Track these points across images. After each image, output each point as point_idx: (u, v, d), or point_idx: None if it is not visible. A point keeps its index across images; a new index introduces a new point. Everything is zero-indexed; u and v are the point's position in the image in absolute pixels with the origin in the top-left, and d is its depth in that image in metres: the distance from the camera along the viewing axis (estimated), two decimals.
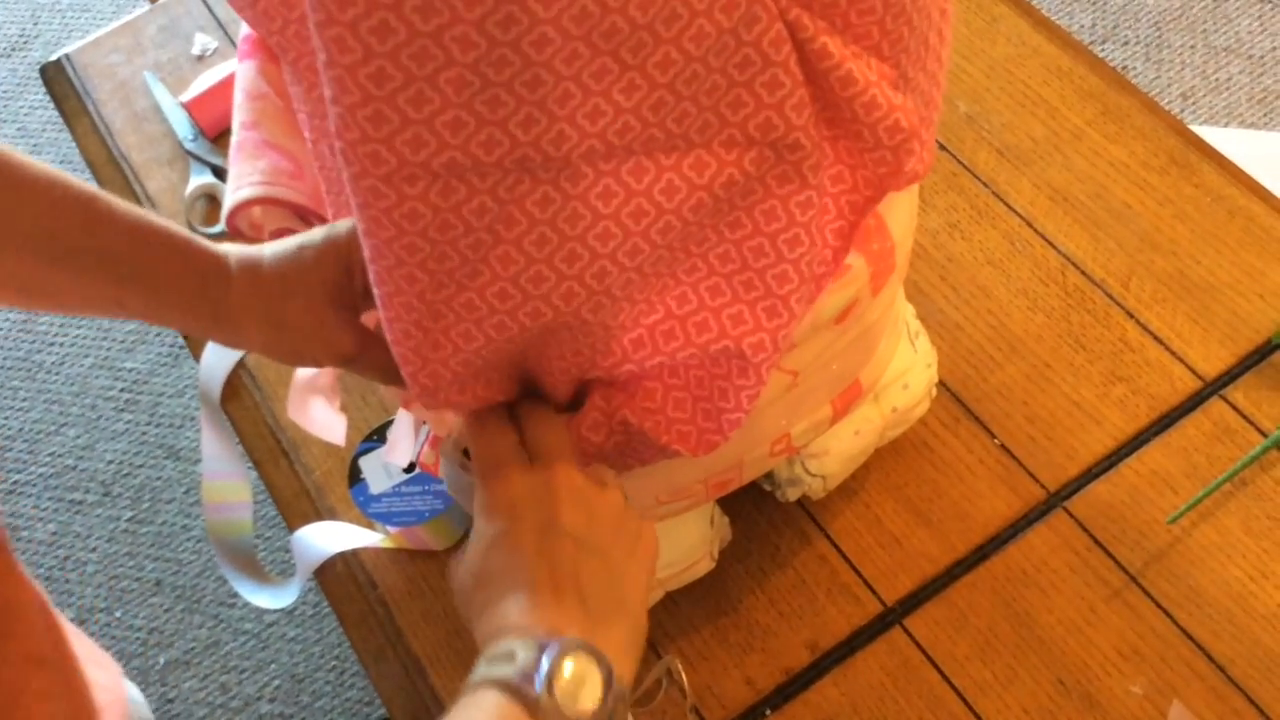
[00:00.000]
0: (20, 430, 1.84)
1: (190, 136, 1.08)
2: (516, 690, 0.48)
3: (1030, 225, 0.95)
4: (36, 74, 2.08)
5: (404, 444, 0.82)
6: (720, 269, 0.55)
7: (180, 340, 1.87)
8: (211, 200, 1.05)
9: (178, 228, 0.61)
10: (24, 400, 1.87)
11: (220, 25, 1.17)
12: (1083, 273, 0.92)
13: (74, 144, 1.12)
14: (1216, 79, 1.94)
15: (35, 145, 2.13)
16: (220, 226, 1.01)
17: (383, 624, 0.84)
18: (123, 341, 1.91)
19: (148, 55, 1.15)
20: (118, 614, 1.68)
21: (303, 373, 0.80)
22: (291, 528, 0.88)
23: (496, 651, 0.50)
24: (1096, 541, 0.81)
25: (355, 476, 0.88)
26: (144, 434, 1.82)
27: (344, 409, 0.83)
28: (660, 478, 0.66)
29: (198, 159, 1.06)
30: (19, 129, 2.17)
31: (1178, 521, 0.81)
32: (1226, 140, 1.13)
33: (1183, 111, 1.91)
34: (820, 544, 0.83)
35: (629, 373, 0.57)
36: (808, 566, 0.83)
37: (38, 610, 0.50)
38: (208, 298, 0.61)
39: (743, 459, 0.69)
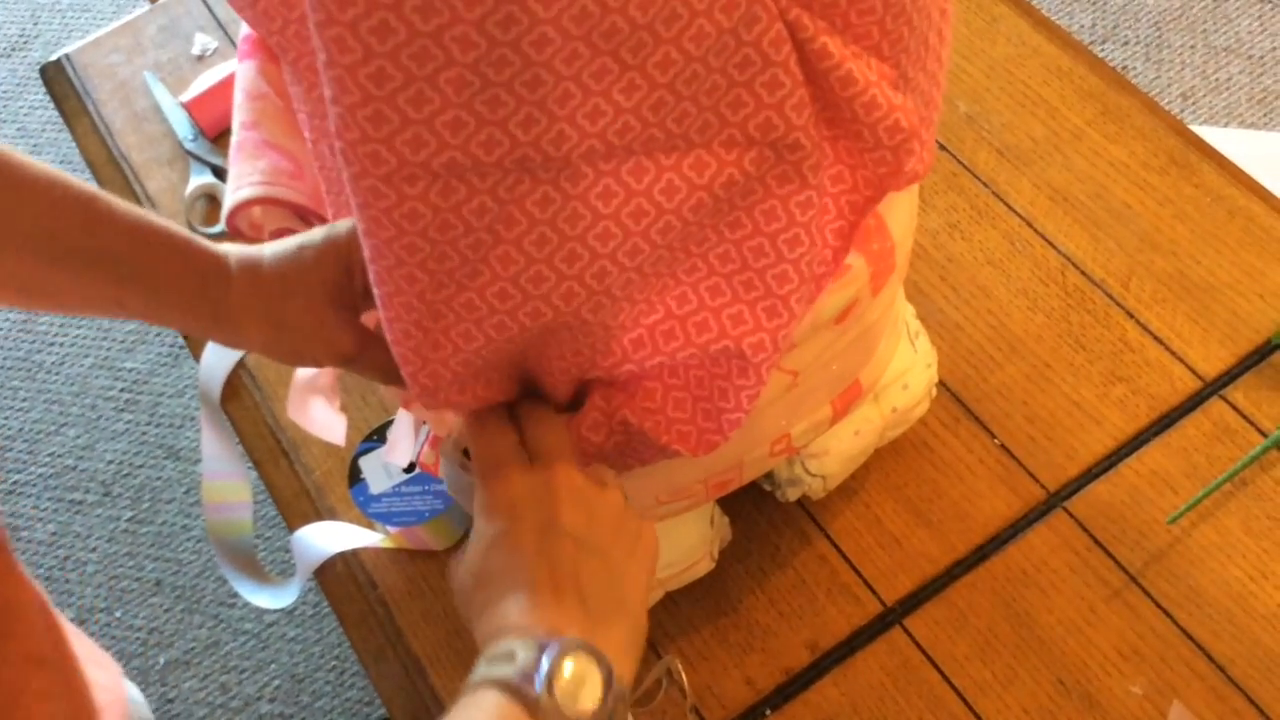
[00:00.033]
0: (20, 430, 1.85)
1: (190, 136, 1.08)
2: (516, 690, 0.48)
3: (1030, 225, 0.95)
4: (36, 74, 2.08)
5: (404, 444, 0.82)
6: (720, 269, 0.55)
7: (180, 340, 1.87)
8: (211, 200, 1.05)
9: (178, 228, 0.61)
10: (24, 400, 1.87)
11: (220, 25, 1.17)
12: (1083, 273, 0.92)
13: (74, 144, 1.12)
14: (1216, 79, 1.94)
15: (35, 145, 2.14)
16: (220, 226, 1.01)
17: (383, 624, 0.84)
18: (123, 342, 1.91)
19: (148, 55, 1.15)
20: (118, 614, 1.68)
21: (303, 373, 0.80)
22: (291, 528, 0.88)
23: (496, 651, 0.50)
24: (1096, 542, 0.81)
25: (355, 476, 0.88)
26: (144, 434, 1.82)
27: (344, 409, 0.83)
28: (660, 478, 0.66)
29: (198, 159, 1.07)
30: (19, 129, 2.17)
31: (1178, 521, 0.81)
32: (1226, 140, 1.13)
33: (1183, 111, 1.91)
34: (820, 544, 0.83)
35: (629, 373, 0.57)
36: (808, 566, 0.83)
37: (38, 610, 0.50)
38: (208, 297, 0.61)
39: (743, 459, 0.69)
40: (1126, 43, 1.99)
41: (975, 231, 0.95)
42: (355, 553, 0.87)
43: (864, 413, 0.77)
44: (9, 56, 2.27)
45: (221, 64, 1.12)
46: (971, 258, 0.94)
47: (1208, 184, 0.95)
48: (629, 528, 0.58)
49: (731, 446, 0.60)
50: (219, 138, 1.08)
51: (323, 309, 0.60)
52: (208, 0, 1.18)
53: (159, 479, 1.78)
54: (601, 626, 0.53)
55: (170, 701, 1.60)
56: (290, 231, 0.73)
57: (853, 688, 0.78)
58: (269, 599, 0.89)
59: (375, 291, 0.53)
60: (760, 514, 0.85)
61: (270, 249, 0.61)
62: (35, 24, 2.31)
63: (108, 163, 1.09)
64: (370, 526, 0.87)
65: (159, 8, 1.19)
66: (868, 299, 0.63)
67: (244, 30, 0.81)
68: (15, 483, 1.80)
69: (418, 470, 0.87)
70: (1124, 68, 1.96)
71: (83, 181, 0.59)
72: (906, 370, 0.78)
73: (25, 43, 2.28)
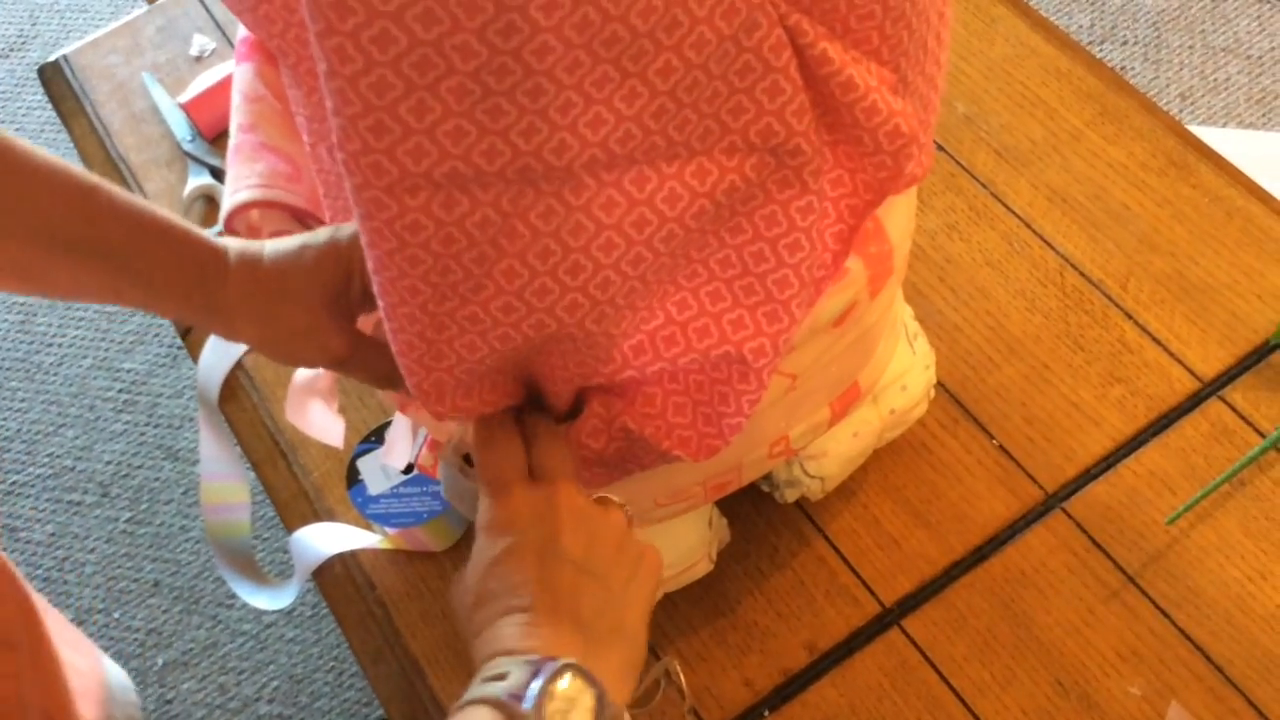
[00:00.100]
0: (19, 431, 1.84)
1: (188, 138, 1.08)
2: (507, 709, 0.48)
3: (1029, 226, 0.95)
4: (34, 75, 2.07)
5: (402, 446, 0.82)
6: (721, 274, 0.55)
7: (179, 341, 1.87)
8: (210, 201, 1.05)
9: (178, 219, 0.60)
10: (22, 401, 1.87)
11: (218, 26, 1.17)
12: (1081, 274, 0.92)
13: (72, 145, 1.12)
14: (1215, 79, 1.94)
15: None
16: (218, 228, 1.01)
17: (381, 625, 0.84)
18: (121, 342, 1.91)
19: (146, 56, 1.15)
20: (116, 615, 1.67)
21: (301, 375, 0.80)
22: (290, 529, 0.88)
23: (490, 671, 0.51)
24: (1095, 542, 0.81)
25: (353, 478, 0.88)
26: (142, 435, 1.82)
27: (342, 411, 0.83)
28: (659, 480, 0.67)
29: (196, 160, 1.06)
30: (17, 130, 2.17)
31: (1176, 522, 0.81)
32: (1225, 141, 1.13)
33: (1181, 112, 1.91)
34: (819, 545, 0.83)
35: (629, 379, 0.57)
36: (806, 568, 0.83)
37: (8, 595, 0.50)
38: (204, 290, 0.60)
39: (741, 461, 0.69)
40: (1125, 43, 1.99)
41: (974, 232, 0.95)
42: (353, 554, 0.87)
43: (862, 414, 0.77)
44: (7, 57, 2.26)
45: (220, 65, 1.12)
46: (970, 259, 0.94)
47: (1206, 184, 0.95)
48: (630, 551, 0.58)
49: (730, 449, 0.60)
50: (217, 139, 1.08)
51: (318, 311, 0.60)
52: (206, 1, 1.18)
53: (157, 480, 1.78)
54: (597, 650, 0.53)
55: (169, 703, 1.60)
56: (288, 234, 0.73)
57: (851, 689, 0.78)
58: (267, 600, 0.89)
59: (379, 302, 0.53)
60: (759, 515, 0.85)
61: (271, 246, 0.61)
62: (33, 25, 2.30)
63: (106, 163, 1.09)
64: (368, 528, 0.87)
65: (157, 9, 1.19)
66: (866, 301, 0.63)
67: (242, 32, 0.81)
68: (13, 483, 1.79)
69: (416, 472, 0.87)
70: (1122, 68, 1.96)
71: (84, 171, 0.59)
72: (905, 372, 0.78)
73: (23, 43, 2.28)
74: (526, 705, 0.48)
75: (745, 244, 0.54)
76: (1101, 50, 1.99)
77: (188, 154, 1.07)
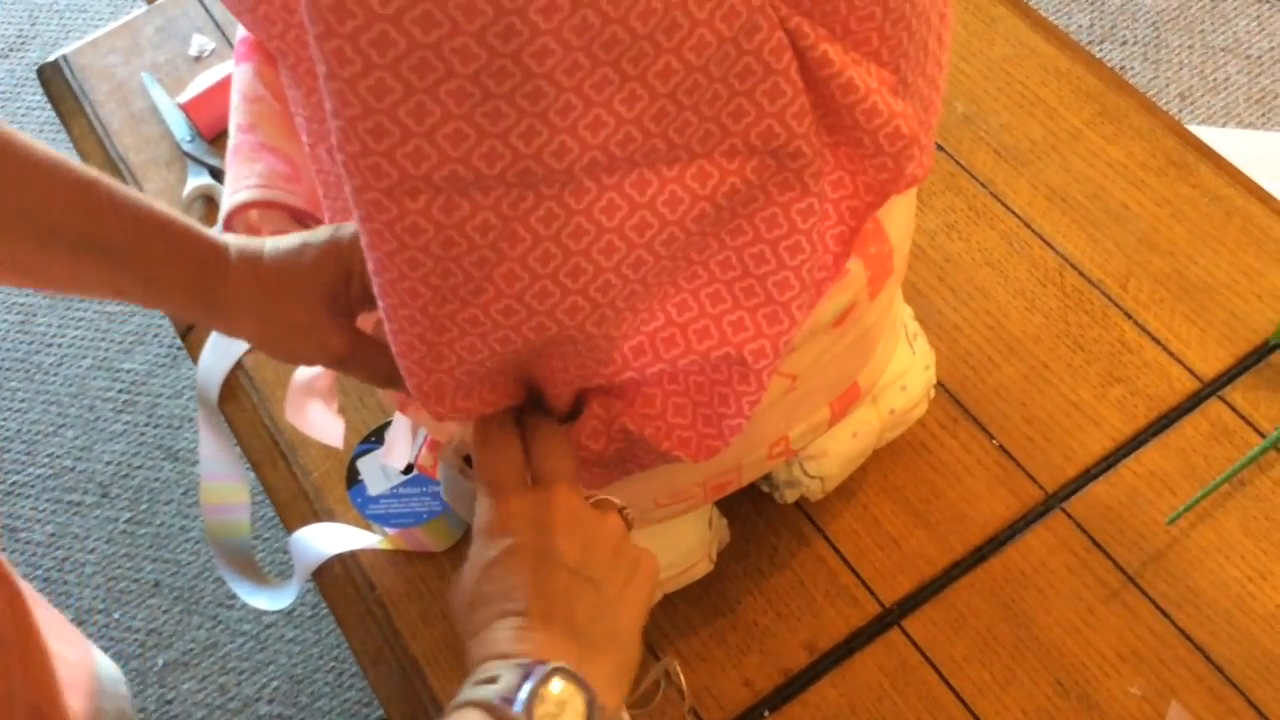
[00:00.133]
0: (18, 431, 1.84)
1: (188, 138, 1.08)
2: (497, 712, 0.49)
3: (1028, 226, 0.95)
4: (34, 75, 2.07)
5: (401, 446, 0.82)
6: (721, 276, 0.55)
7: (179, 341, 1.87)
8: (209, 202, 1.05)
9: (178, 214, 0.60)
10: (22, 401, 1.87)
11: (218, 26, 1.17)
12: (1081, 273, 0.92)
13: (71, 145, 1.12)
14: (1214, 79, 1.94)
15: None
16: (217, 229, 1.00)
17: (380, 625, 0.84)
18: (121, 343, 1.91)
19: (145, 56, 1.15)
20: (116, 615, 1.67)
21: (300, 375, 0.80)
22: (290, 529, 0.88)
23: (482, 675, 0.51)
24: (1095, 542, 0.81)
25: (353, 478, 0.88)
26: (142, 435, 1.82)
27: (342, 411, 0.83)
28: (659, 481, 0.67)
29: (195, 160, 1.06)
30: (16, 130, 2.16)
31: (1176, 522, 0.81)
32: (1224, 140, 1.13)
33: (1180, 112, 1.91)
34: (818, 545, 0.83)
35: (629, 380, 0.56)
36: (806, 568, 0.83)
37: None
38: (204, 286, 0.60)
39: (741, 461, 0.69)
40: (1124, 43, 1.99)
41: (973, 232, 0.95)
42: (353, 554, 0.87)
43: (862, 415, 0.77)
44: (6, 57, 2.26)
45: (219, 65, 1.12)
46: (969, 258, 0.94)
47: (1206, 184, 0.95)
48: (627, 557, 0.58)
49: (730, 450, 0.60)
50: (216, 139, 1.08)
51: (318, 309, 0.60)
52: (205, 1, 1.18)
53: (157, 480, 1.78)
54: (590, 655, 0.53)
55: (169, 703, 1.60)
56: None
57: (851, 689, 0.78)
58: (267, 600, 0.89)
59: (380, 303, 0.53)
60: (758, 516, 0.85)
61: (271, 243, 0.61)
62: (33, 25, 2.30)
63: (105, 164, 1.09)
64: (368, 528, 0.87)
65: (156, 9, 1.19)
66: (866, 302, 0.63)
67: (241, 32, 0.81)
68: (13, 484, 1.79)
69: (415, 472, 0.87)
70: (1122, 68, 1.96)
71: (84, 165, 0.59)
72: (905, 372, 0.78)
73: (23, 43, 2.28)
74: (517, 709, 0.48)
75: (746, 246, 0.54)
76: (1101, 50, 1.99)
77: (187, 154, 1.07)
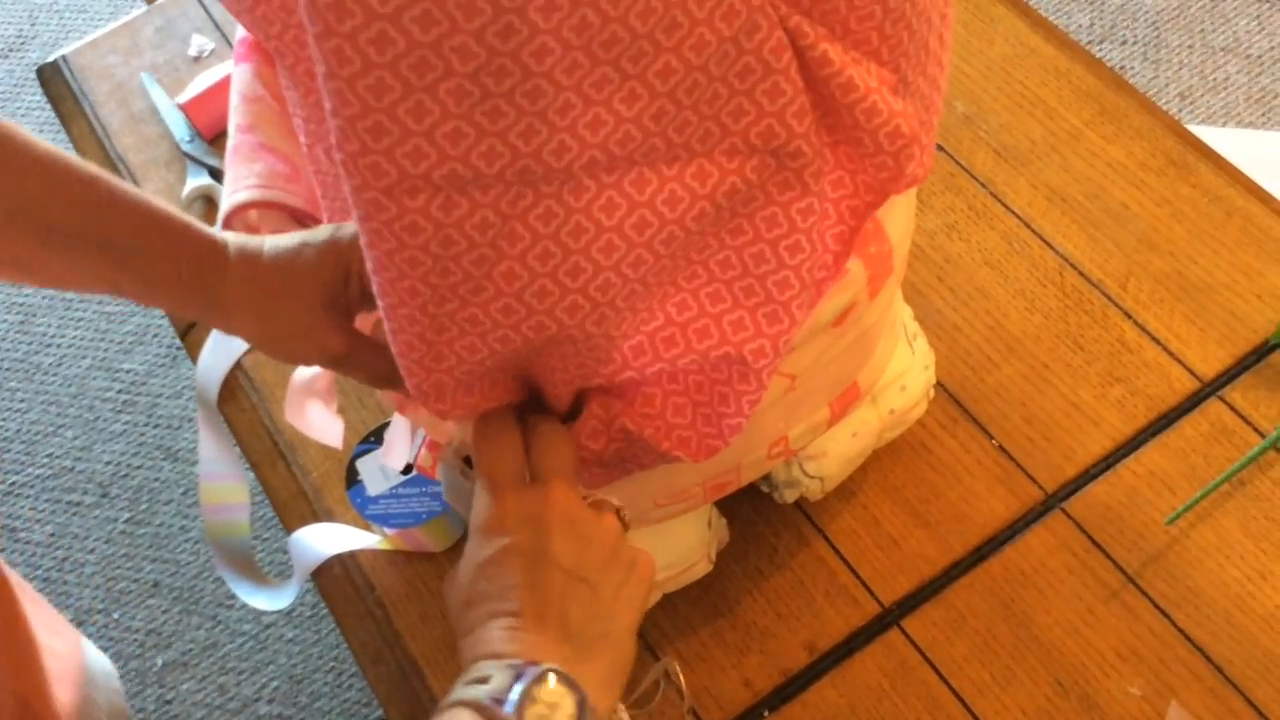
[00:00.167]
0: (18, 431, 1.84)
1: (187, 138, 1.08)
2: (488, 711, 0.49)
3: (1028, 226, 0.95)
4: (34, 75, 2.08)
5: (400, 446, 0.81)
6: (721, 275, 0.55)
7: (178, 341, 1.87)
8: (209, 202, 1.05)
9: (178, 212, 0.60)
10: (22, 401, 1.87)
11: (217, 26, 1.17)
12: (1080, 273, 0.92)
13: (71, 145, 1.12)
14: (1214, 79, 1.94)
15: None
16: (217, 228, 1.00)
17: (380, 626, 0.84)
18: (121, 343, 1.91)
19: (145, 56, 1.15)
20: (115, 615, 1.67)
21: (300, 375, 0.80)
22: (289, 529, 0.88)
23: (474, 674, 0.51)
24: (1094, 542, 0.81)
25: (352, 478, 0.88)
26: (142, 435, 1.82)
27: (341, 411, 0.83)
28: (658, 481, 0.66)
29: (195, 160, 1.06)
30: (17, 125, 2.16)
31: (1176, 522, 0.81)
32: (1224, 140, 1.13)
33: (1180, 111, 1.91)
34: (818, 545, 0.83)
35: (629, 380, 0.56)
36: (805, 568, 0.83)
37: None
38: (202, 284, 0.60)
39: (741, 461, 0.69)
40: (1124, 42, 1.99)
41: (973, 232, 0.95)
42: (353, 554, 0.87)
43: (862, 414, 0.77)
44: (6, 57, 2.26)
45: (218, 65, 1.12)
46: (969, 258, 0.94)
47: (1205, 184, 0.95)
48: (623, 557, 0.57)
49: (730, 450, 0.60)
50: (216, 139, 1.08)
51: (316, 309, 0.60)
52: (204, 2, 1.18)
53: (157, 480, 1.78)
54: (583, 656, 0.53)
55: (168, 703, 1.60)
56: None
57: (851, 689, 0.78)
58: (266, 600, 0.89)
59: (379, 302, 0.53)
60: (758, 516, 0.85)
61: (271, 242, 0.61)
62: (32, 25, 2.30)
63: (105, 164, 1.09)
64: (367, 528, 0.87)
65: (156, 9, 1.19)
66: (865, 302, 0.63)
67: (240, 33, 0.81)
68: (13, 484, 1.79)
69: (414, 472, 0.87)
70: (1122, 68, 1.96)
71: (84, 162, 0.59)
72: (904, 372, 0.78)
73: (22, 44, 2.28)
74: (508, 709, 0.48)
75: (746, 245, 0.54)
76: (1101, 50, 1.99)
77: (186, 154, 1.07)
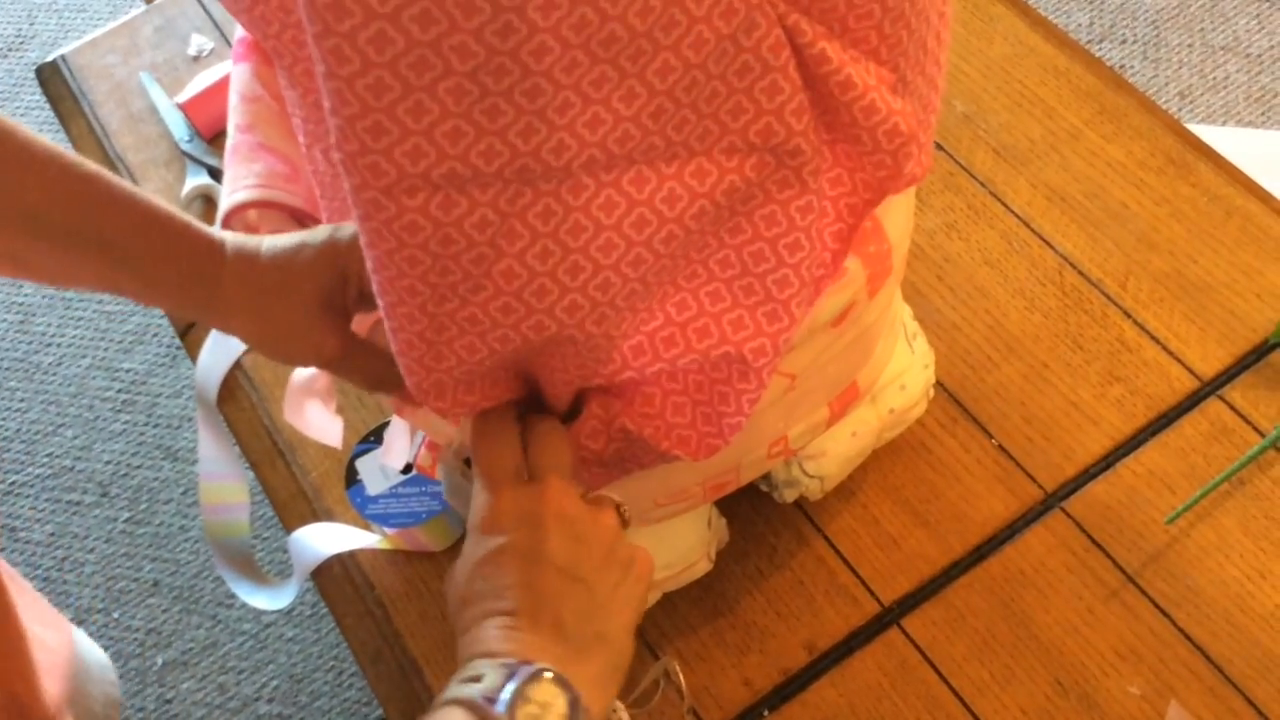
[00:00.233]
0: (18, 431, 1.84)
1: (186, 137, 1.08)
2: (480, 710, 0.49)
3: (1027, 225, 0.95)
4: (32, 75, 2.07)
5: (400, 446, 0.82)
6: (720, 274, 0.55)
7: (178, 341, 1.87)
8: (208, 201, 1.05)
9: (177, 210, 0.60)
10: (21, 401, 1.87)
11: (216, 26, 1.17)
12: (1080, 273, 0.92)
13: (70, 145, 1.12)
14: (1214, 78, 1.94)
15: None
16: (216, 228, 1.00)
17: (379, 625, 0.84)
18: (120, 342, 1.91)
19: (144, 56, 1.15)
20: (115, 615, 1.67)
21: (299, 375, 0.80)
22: (289, 529, 0.88)
23: (467, 673, 0.51)
24: (1094, 542, 0.81)
25: (352, 478, 0.88)
26: (142, 435, 1.82)
27: (340, 411, 0.83)
28: (658, 480, 0.66)
29: (194, 160, 1.06)
30: (16, 122, 2.16)
31: (1175, 522, 0.81)
32: (1224, 139, 1.13)
33: (1180, 110, 1.91)
34: (818, 545, 0.83)
35: (628, 379, 0.56)
36: (805, 567, 0.83)
37: None
38: (199, 283, 0.60)
39: (740, 461, 0.69)
40: (1124, 41, 1.99)
41: (972, 231, 0.95)
42: (352, 554, 0.87)
43: (861, 414, 0.77)
44: (5, 57, 2.26)
45: (218, 64, 1.12)
46: (969, 258, 0.94)
47: (1205, 183, 0.95)
48: (619, 556, 0.57)
49: (730, 449, 0.60)
50: (215, 139, 1.08)
51: (312, 310, 0.60)
52: (203, 1, 1.18)
53: (157, 480, 1.78)
54: (577, 656, 0.53)
55: (168, 702, 1.60)
56: None
57: (850, 688, 0.78)
58: (266, 600, 0.89)
59: (379, 301, 0.53)
60: (758, 515, 0.85)
61: (269, 242, 0.61)
62: (31, 24, 2.30)
63: (104, 164, 1.08)
64: (367, 528, 0.87)
65: (155, 8, 1.19)
66: (865, 301, 0.63)
67: (239, 32, 0.81)
68: (13, 483, 1.79)
69: (414, 472, 0.87)
70: (1121, 67, 1.96)
71: (82, 159, 0.59)
72: (904, 371, 0.78)
73: (21, 43, 2.28)
74: (499, 709, 0.48)
75: (745, 244, 0.54)
76: (1100, 49, 1.99)
77: (186, 154, 1.07)
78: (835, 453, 0.77)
